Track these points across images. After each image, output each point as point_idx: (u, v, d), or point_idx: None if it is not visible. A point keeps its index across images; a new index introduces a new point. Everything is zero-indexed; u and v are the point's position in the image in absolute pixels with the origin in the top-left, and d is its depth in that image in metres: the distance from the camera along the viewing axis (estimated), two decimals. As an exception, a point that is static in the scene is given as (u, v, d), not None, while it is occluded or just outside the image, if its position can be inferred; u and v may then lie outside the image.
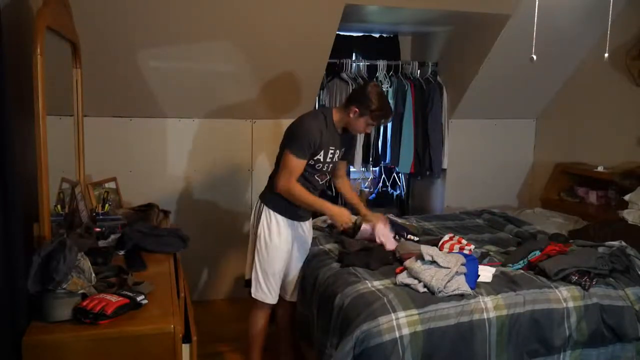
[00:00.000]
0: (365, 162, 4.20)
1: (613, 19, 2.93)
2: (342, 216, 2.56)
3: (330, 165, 2.65)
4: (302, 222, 2.72)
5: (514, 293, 2.33)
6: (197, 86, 3.44)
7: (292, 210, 2.62)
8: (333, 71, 4.02)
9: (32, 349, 1.56)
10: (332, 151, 2.59)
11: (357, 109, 2.51)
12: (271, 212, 2.61)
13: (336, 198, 4.39)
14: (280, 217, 2.62)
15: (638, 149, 3.62)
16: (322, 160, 2.57)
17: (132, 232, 2.38)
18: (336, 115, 2.59)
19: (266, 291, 2.65)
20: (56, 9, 2.11)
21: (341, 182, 2.92)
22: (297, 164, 2.50)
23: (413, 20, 3.92)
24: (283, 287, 2.77)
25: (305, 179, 2.60)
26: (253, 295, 2.67)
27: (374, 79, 4.12)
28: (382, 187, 4.62)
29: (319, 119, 2.56)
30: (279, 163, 2.59)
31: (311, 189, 2.61)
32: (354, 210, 2.84)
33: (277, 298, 2.70)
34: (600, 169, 3.74)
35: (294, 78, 3.57)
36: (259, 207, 2.66)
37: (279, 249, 2.62)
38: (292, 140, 2.52)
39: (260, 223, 2.62)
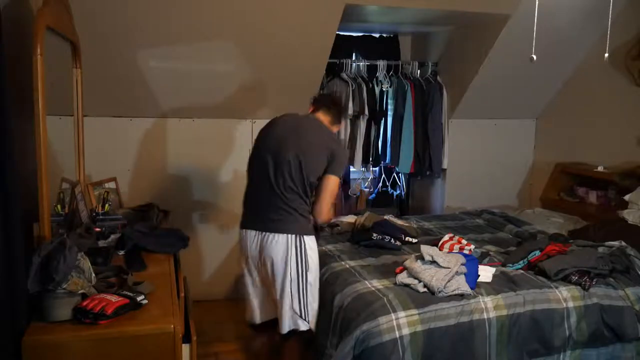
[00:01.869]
0: (365, 162, 4.19)
1: (613, 19, 2.93)
2: None
3: None
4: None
5: (514, 293, 2.33)
6: (197, 86, 3.44)
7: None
8: (333, 71, 4.02)
9: (32, 349, 1.56)
10: None
11: (338, 126, 2.62)
12: (304, 237, 2.39)
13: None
14: (313, 237, 2.46)
15: (638, 149, 3.62)
16: None
17: (132, 232, 2.39)
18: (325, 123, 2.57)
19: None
20: (56, 9, 2.11)
21: None
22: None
23: (413, 20, 3.92)
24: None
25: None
26: (314, 329, 2.46)
27: (374, 79, 4.12)
28: (382, 187, 4.62)
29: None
30: (306, 176, 2.36)
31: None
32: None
33: None
34: (600, 169, 3.74)
35: (294, 78, 3.57)
36: (295, 241, 2.36)
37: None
38: (338, 164, 2.39)
39: (307, 255, 2.38)
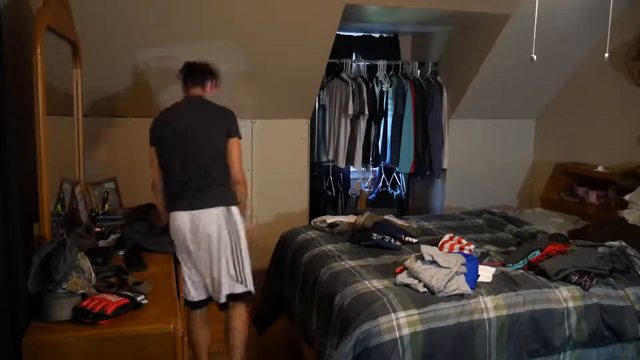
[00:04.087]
0: (365, 162, 4.20)
1: (613, 19, 2.93)
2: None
3: None
4: None
5: (514, 293, 2.33)
6: (197, 86, 3.44)
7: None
8: (333, 71, 4.02)
9: (32, 349, 1.56)
10: None
11: (214, 83, 2.62)
12: (234, 208, 2.51)
13: (336, 199, 4.40)
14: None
15: (638, 149, 3.62)
16: None
17: (132, 232, 2.39)
18: (198, 96, 2.60)
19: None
20: (56, 8, 2.11)
21: None
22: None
23: (413, 20, 3.92)
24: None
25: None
26: (253, 292, 2.60)
27: (374, 79, 4.12)
28: (382, 187, 4.62)
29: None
30: (215, 153, 2.50)
31: None
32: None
33: None
34: (600, 169, 3.74)
35: (294, 78, 3.57)
36: (226, 214, 2.48)
37: None
38: (236, 126, 2.54)
39: (237, 224, 2.50)
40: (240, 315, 2.65)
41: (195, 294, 2.56)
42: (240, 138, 2.56)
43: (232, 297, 2.56)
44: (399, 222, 3.24)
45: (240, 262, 2.53)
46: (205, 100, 2.60)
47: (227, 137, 2.52)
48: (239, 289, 2.54)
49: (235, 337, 2.66)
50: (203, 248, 2.47)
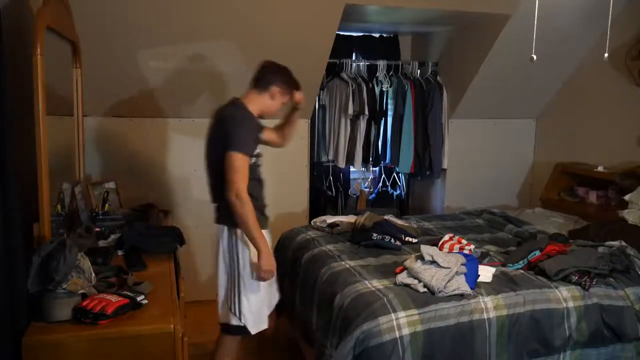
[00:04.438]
0: (365, 162, 4.20)
1: (613, 19, 2.93)
2: (269, 263, 2.26)
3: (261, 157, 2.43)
4: (266, 230, 2.43)
5: (514, 293, 2.33)
6: (197, 86, 3.44)
7: (261, 218, 2.37)
8: (333, 71, 4.02)
9: (32, 349, 1.56)
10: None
11: (279, 88, 2.36)
12: (238, 231, 2.29)
13: (336, 199, 4.40)
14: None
15: (638, 149, 3.62)
16: (260, 153, 2.39)
17: (131, 232, 2.39)
18: (252, 104, 2.34)
19: (263, 318, 2.42)
20: (56, 8, 2.11)
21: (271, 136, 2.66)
22: (244, 164, 2.20)
23: (413, 20, 3.92)
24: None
25: (255, 179, 2.35)
26: (253, 332, 2.35)
27: (374, 79, 4.12)
28: (382, 187, 4.62)
29: (247, 110, 2.31)
30: (216, 168, 2.26)
31: (260, 188, 2.42)
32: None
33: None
34: (600, 169, 3.74)
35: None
36: (228, 233, 2.32)
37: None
38: (233, 138, 2.18)
39: (238, 248, 2.31)
40: (223, 351, 2.42)
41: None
42: (238, 152, 2.19)
43: (223, 328, 2.38)
44: (399, 222, 3.24)
45: (236, 293, 2.30)
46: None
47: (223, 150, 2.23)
48: (233, 320, 2.32)
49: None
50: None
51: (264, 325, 2.40)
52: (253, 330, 2.34)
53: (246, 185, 2.20)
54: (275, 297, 2.60)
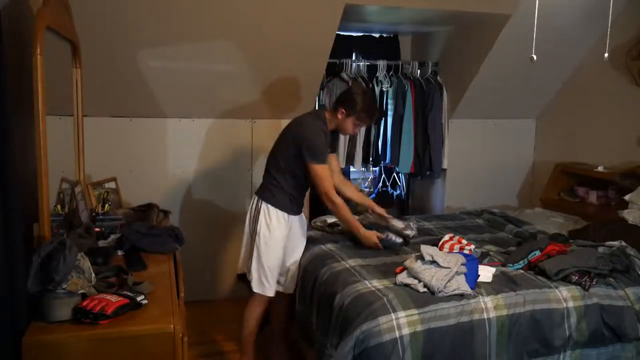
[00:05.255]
0: (365, 162, 4.19)
1: (613, 19, 2.93)
2: (371, 239, 2.79)
3: None
4: (294, 216, 2.81)
5: (514, 293, 2.33)
6: (197, 86, 3.44)
7: (290, 205, 2.74)
8: (333, 71, 4.02)
9: (32, 349, 1.56)
10: (327, 152, 2.74)
11: (343, 110, 2.66)
12: (270, 207, 2.69)
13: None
14: (280, 212, 2.70)
15: (638, 149, 3.62)
16: None
17: (130, 232, 2.38)
18: (328, 117, 2.72)
19: (266, 284, 2.71)
20: (56, 8, 2.11)
21: (342, 182, 3.00)
22: (325, 171, 2.65)
23: (413, 20, 3.92)
24: (279, 280, 2.83)
25: (299, 182, 2.74)
26: (255, 290, 2.71)
27: (374, 79, 4.12)
28: (382, 187, 4.63)
29: (321, 122, 2.70)
30: (277, 159, 2.72)
31: (302, 190, 2.80)
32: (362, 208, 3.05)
33: (274, 290, 2.76)
34: (600, 169, 3.74)
35: (294, 78, 3.57)
36: (257, 204, 2.72)
37: (277, 242, 2.71)
38: (312, 150, 2.60)
39: (260, 218, 2.69)
40: (249, 312, 2.80)
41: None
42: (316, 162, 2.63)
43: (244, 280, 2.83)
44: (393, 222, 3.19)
45: (249, 253, 2.75)
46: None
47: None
48: (248, 275, 2.75)
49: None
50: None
51: (266, 290, 2.71)
52: (255, 288, 2.71)
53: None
54: (287, 280, 2.88)
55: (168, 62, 3.27)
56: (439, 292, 2.25)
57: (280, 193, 2.70)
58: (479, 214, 3.73)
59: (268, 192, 2.71)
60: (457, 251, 2.70)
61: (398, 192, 4.66)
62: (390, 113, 4.18)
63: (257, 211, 2.71)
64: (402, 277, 2.39)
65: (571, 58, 3.98)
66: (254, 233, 2.71)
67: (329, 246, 2.90)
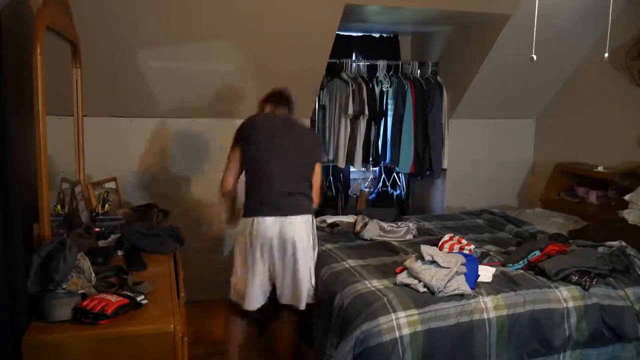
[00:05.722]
0: (365, 162, 4.19)
1: (613, 19, 2.92)
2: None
3: None
4: None
5: (514, 293, 2.33)
6: (197, 86, 3.44)
7: None
8: (333, 71, 4.02)
9: (32, 349, 1.56)
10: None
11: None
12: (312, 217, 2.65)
13: (336, 199, 4.40)
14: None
15: (638, 149, 3.62)
16: None
17: (130, 232, 2.38)
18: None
19: None
20: (56, 9, 2.11)
21: None
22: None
23: (413, 20, 3.92)
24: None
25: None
26: (312, 302, 2.62)
27: (374, 79, 4.12)
28: (382, 187, 4.62)
29: None
30: (302, 169, 2.62)
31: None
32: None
33: None
34: (600, 169, 3.74)
35: (294, 78, 3.57)
36: (309, 219, 2.60)
37: None
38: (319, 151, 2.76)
39: (313, 233, 2.63)
40: (291, 325, 2.73)
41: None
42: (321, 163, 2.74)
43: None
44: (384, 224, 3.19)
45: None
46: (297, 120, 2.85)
47: (315, 160, 2.67)
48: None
49: (285, 345, 2.76)
50: (289, 254, 2.52)
51: (238, 299, 2.62)
52: (312, 300, 2.60)
53: None
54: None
55: (168, 62, 3.27)
56: (439, 292, 2.25)
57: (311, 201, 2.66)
58: (478, 214, 3.73)
59: (308, 204, 2.64)
60: (457, 251, 2.71)
61: (398, 192, 4.66)
62: (390, 113, 4.18)
63: (312, 225, 2.61)
64: (402, 277, 2.39)
65: (571, 58, 3.98)
66: (313, 248, 2.62)
67: (329, 246, 2.90)
